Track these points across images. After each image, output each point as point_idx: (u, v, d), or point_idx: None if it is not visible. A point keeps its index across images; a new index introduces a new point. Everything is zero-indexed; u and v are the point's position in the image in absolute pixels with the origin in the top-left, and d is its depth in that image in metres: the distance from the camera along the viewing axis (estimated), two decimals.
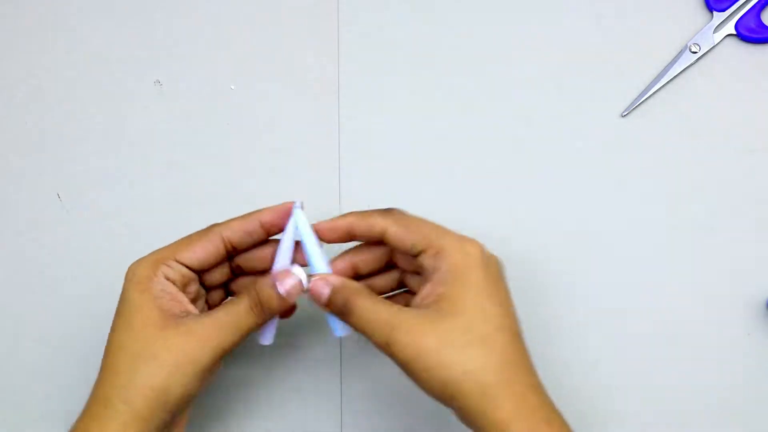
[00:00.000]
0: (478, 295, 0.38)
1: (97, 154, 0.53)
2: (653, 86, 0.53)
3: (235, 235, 0.42)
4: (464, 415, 0.37)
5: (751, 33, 0.54)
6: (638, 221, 0.51)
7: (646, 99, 0.53)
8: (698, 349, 0.49)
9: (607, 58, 0.54)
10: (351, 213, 0.42)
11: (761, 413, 0.48)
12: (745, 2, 0.54)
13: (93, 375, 0.44)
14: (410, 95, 0.54)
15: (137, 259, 0.41)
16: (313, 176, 0.52)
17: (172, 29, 0.55)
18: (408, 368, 0.38)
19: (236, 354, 0.49)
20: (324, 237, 0.42)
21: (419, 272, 0.42)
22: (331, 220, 0.42)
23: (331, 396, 0.48)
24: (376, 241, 0.42)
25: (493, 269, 0.39)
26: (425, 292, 0.39)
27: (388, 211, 0.41)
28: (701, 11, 0.55)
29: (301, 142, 0.53)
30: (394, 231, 0.40)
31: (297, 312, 0.44)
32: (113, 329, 0.41)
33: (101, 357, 0.40)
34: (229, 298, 0.45)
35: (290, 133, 0.53)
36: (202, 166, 0.52)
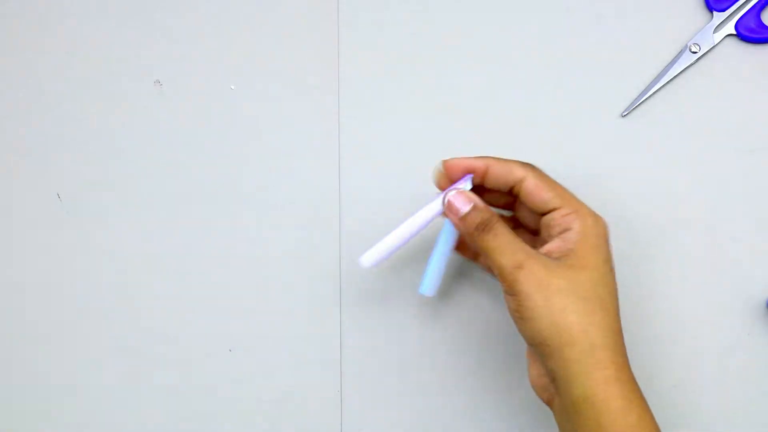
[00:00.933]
0: (605, 262, 0.41)
1: (97, 154, 0.53)
2: (653, 86, 0.53)
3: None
4: (555, 360, 0.39)
5: (751, 33, 0.54)
6: (638, 221, 0.51)
7: (646, 99, 0.53)
8: (698, 349, 0.49)
9: (607, 58, 0.54)
10: (489, 156, 0.43)
11: (761, 413, 0.48)
12: (745, 2, 0.54)
13: (94, 375, 0.44)
14: (410, 95, 0.54)
15: None
16: (312, 176, 0.52)
17: (172, 29, 0.55)
18: (528, 302, 0.39)
19: (236, 355, 0.49)
20: (453, 172, 0.44)
21: (536, 231, 0.44)
22: (466, 158, 0.44)
23: (331, 396, 0.48)
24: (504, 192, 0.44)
25: (610, 251, 0.42)
26: (552, 246, 0.41)
27: (527, 164, 0.43)
28: (701, 11, 0.55)
29: (301, 142, 0.53)
30: (533, 182, 0.42)
31: (296, 314, 0.44)
32: None
33: (100, 356, 0.39)
34: None
35: (290, 133, 0.53)
36: (201, 166, 0.52)
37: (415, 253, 0.50)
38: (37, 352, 0.49)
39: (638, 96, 0.53)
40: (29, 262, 0.51)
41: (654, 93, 0.53)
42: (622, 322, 0.46)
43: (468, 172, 0.43)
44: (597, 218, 0.42)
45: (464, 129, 0.53)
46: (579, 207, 0.42)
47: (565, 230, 0.41)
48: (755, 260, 0.50)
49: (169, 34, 0.55)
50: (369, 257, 0.43)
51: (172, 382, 0.49)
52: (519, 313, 0.39)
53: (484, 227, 0.41)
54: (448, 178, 0.44)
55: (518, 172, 0.42)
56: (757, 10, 0.54)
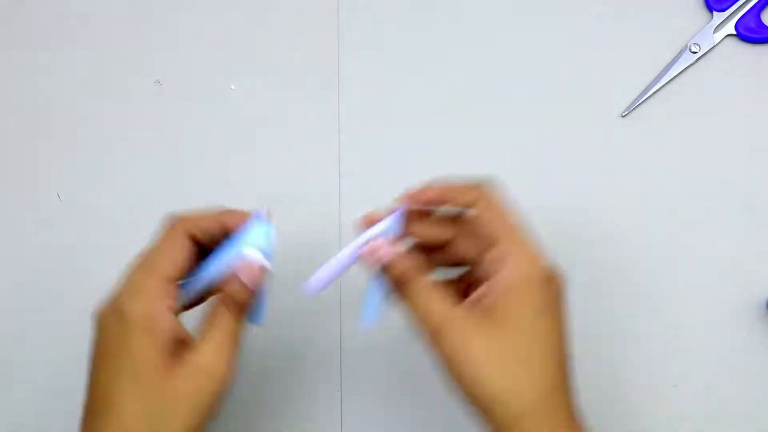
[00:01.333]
0: (536, 315, 0.36)
1: (97, 154, 0.53)
2: (653, 86, 0.53)
3: (203, 235, 0.39)
4: (483, 427, 0.36)
5: (751, 33, 0.54)
6: (638, 221, 0.51)
7: (646, 99, 0.53)
8: (698, 349, 0.49)
9: (607, 58, 0.54)
10: (440, 181, 0.39)
11: (761, 413, 0.48)
12: (745, 2, 0.54)
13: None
14: (410, 95, 0.54)
15: (120, 292, 0.37)
16: (313, 176, 0.52)
17: (172, 29, 0.55)
18: (448, 366, 0.36)
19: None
20: (412, 204, 0.39)
21: (479, 263, 0.39)
22: (421, 188, 0.39)
23: (331, 398, 0.48)
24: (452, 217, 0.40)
25: (553, 288, 0.37)
26: (481, 292, 0.37)
27: (481, 186, 0.39)
28: (701, 11, 0.55)
29: (301, 142, 0.53)
30: (478, 211, 0.38)
31: (297, 316, 0.44)
32: (112, 377, 0.36)
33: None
34: (208, 312, 0.39)
35: (290, 133, 0.53)
36: (201, 166, 0.52)
37: None
38: (37, 352, 0.49)
39: (638, 96, 0.53)
40: (29, 261, 0.51)
41: (654, 93, 0.53)
42: (622, 322, 0.46)
43: (419, 204, 0.39)
44: (533, 260, 0.37)
45: (464, 129, 0.53)
46: (512, 249, 0.37)
47: (495, 273, 0.36)
48: (755, 260, 0.50)
49: (169, 34, 0.55)
50: (314, 285, 0.39)
51: None
52: (451, 379, 0.36)
53: (399, 283, 0.38)
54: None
55: (466, 197, 0.38)
56: (757, 10, 0.54)
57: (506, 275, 0.36)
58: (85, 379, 0.41)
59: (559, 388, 0.36)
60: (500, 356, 0.35)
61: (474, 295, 0.37)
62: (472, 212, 0.38)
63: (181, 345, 0.37)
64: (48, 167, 0.53)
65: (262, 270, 0.39)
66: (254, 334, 0.49)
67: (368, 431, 0.48)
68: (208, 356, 0.37)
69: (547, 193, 0.52)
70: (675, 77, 0.53)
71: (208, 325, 0.38)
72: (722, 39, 0.54)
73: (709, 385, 0.48)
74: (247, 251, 0.39)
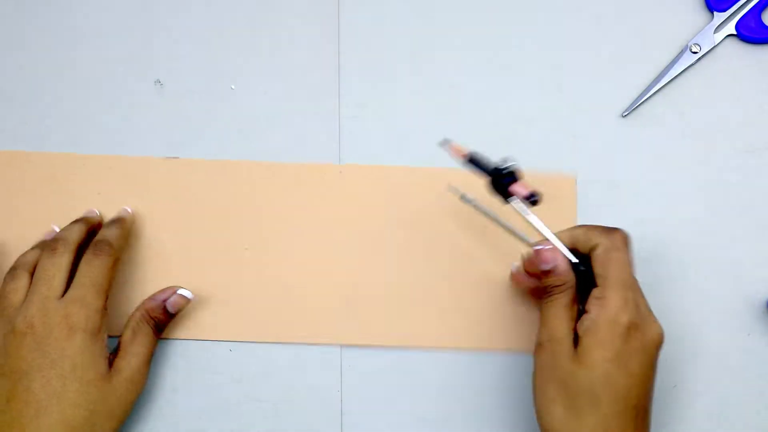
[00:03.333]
0: (610, 360, 0.39)
1: (97, 153, 0.53)
2: (653, 86, 0.53)
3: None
4: None
5: (751, 33, 0.54)
6: (637, 221, 0.51)
7: (646, 99, 0.53)
8: (698, 349, 0.49)
9: (607, 58, 0.54)
10: (580, 226, 0.43)
11: (761, 413, 0.48)
12: (745, 2, 0.54)
13: None
14: (410, 95, 0.54)
15: (69, 301, 0.43)
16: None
17: (172, 29, 0.55)
18: (535, 375, 0.41)
19: (236, 355, 0.49)
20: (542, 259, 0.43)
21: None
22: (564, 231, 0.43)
23: (331, 396, 0.48)
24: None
25: (636, 342, 0.39)
26: (578, 324, 0.41)
27: (611, 232, 0.42)
28: (701, 11, 0.55)
29: (302, 142, 0.53)
30: (597, 254, 0.41)
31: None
32: (56, 377, 0.41)
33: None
34: (127, 326, 0.46)
35: (291, 134, 0.53)
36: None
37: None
38: None
39: (638, 96, 0.53)
40: None
41: (654, 93, 0.53)
42: None
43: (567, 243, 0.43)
44: (621, 312, 0.39)
45: (464, 129, 0.53)
46: (609, 294, 0.40)
47: (589, 311, 0.40)
48: (755, 260, 0.50)
49: (169, 34, 0.55)
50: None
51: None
52: (532, 384, 0.42)
53: (547, 292, 0.42)
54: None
55: (594, 240, 0.42)
56: (757, 10, 0.54)
57: (594, 315, 0.40)
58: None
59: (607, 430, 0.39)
60: (572, 387, 0.39)
61: (577, 325, 0.41)
62: (594, 252, 0.42)
63: (107, 356, 0.44)
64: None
65: (187, 304, 0.48)
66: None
67: (368, 431, 0.48)
68: (136, 369, 0.45)
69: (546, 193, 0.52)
70: (675, 77, 0.53)
71: (134, 340, 0.45)
72: (723, 39, 0.54)
73: (709, 385, 0.48)
74: (180, 290, 0.48)
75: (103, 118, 0.53)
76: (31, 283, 0.44)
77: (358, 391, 0.48)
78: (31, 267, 0.45)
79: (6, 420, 0.41)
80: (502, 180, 0.43)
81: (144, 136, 0.53)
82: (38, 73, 0.54)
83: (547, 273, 0.42)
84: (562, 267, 0.41)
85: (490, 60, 0.54)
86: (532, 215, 0.43)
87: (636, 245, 0.50)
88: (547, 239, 0.43)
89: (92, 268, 0.44)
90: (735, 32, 0.54)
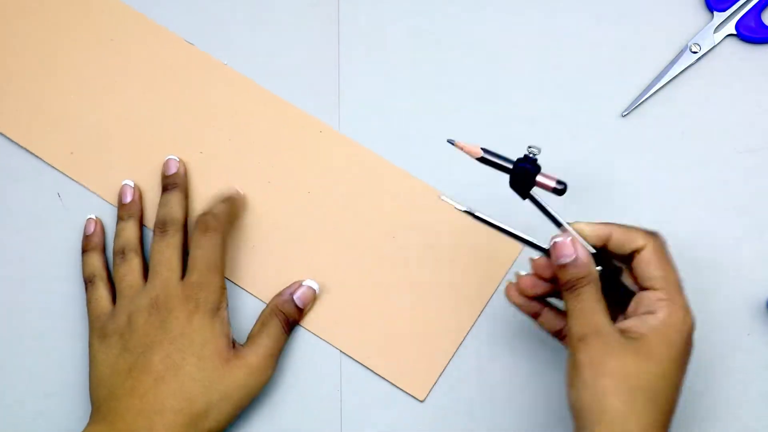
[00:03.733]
0: (674, 360, 0.39)
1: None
2: (653, 86, 0.53)
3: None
4: None
5: (751, 33, 0.54)
6: (638, 221, 0.51)
7: (646, 99, 0.53)
8: (698, 349, 0.48)
9: (607, 58, 0.54)
10: (612, 223, 0.42)
11: (761, 413, 0.48)
12: (745, 2, 0.54)
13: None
14: (410, 95, 0.54)
15: (188, 284, 0.45)
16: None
17: (171, 29, 0.55)
18: (577, 371, 0.39)
19: None
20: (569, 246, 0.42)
21: (628, 296, 0.42)
22: (591, 223, 0.42)
23: (331, 396, 0.48)
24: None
25: (690, 345, 0.40)
26: (630, 323, 0.40)
27: (651, 233, 0.42)
28: (701, 11, 0.55)
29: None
30: (648, 256, 0.41)
31: (296, 329, 0.46)
32: (175, 351, 0.44)
33: None
34: (258, 320, 0.48)
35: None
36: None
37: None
38: (37, 352, 0.49)
39: (638, 96, 0.53)
40: (29, 261, 0.51)
41: (654, 93, 0.53)
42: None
43: (593, 242, 0.42)
44: (687, 316, 0.40)
45: (465, 129, 0.53)
46: (676, 297, 0.40)
47: (650, 313, 0.40)
48: (755, 260, 0.50)
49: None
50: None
51: None
52: (569, 380, 0.40)
53: (572, 286, 0.40)
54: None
55: (639, 241, 0.41)
56: (757, 10, 0.54)
57: (662, 317, 0.39)
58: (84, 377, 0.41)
59: (659, 428, 0.39)
60: (632, 380, 0.38)
61: (625, 324, 0.40)
62: (643, 253, 0.41)
63: (232, 341, 0.46)
64: (48, 167, 0.53)
65: (315, 296, 0.49)
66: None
67: (368, 431, 0.48)
68: (259, 356, 0.45)
69: (548, 193, 0.52)
70: (675, 77, 0.53)
71: (262, 331, 0.47)
72: (722, 39, 0.54)
73: (709, 385, 0.48)
74: (306, 281, 0.48)
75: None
76: (142, 261, 0.48)
77: (358, 391, 0.48)
78: (137, 246, 0.48)
79: (126, 389, 0.43)
80: (526, 172, 0.40)
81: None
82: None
83: (565, 266, 0.40)
84: (584, 258, 0.40)
85: (490, 60, 0.54)
86: (551, 208, 0.42)
87: None
88: (563, 232, 0.41)
89: (203, 249, 0.46)
90: (735, 32, 0.54)
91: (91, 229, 0.50)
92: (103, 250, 0.50)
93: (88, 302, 0.47)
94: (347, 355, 0.48)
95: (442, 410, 0.48)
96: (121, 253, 0.48)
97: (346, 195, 0.51)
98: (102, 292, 0.47)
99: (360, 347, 0.48)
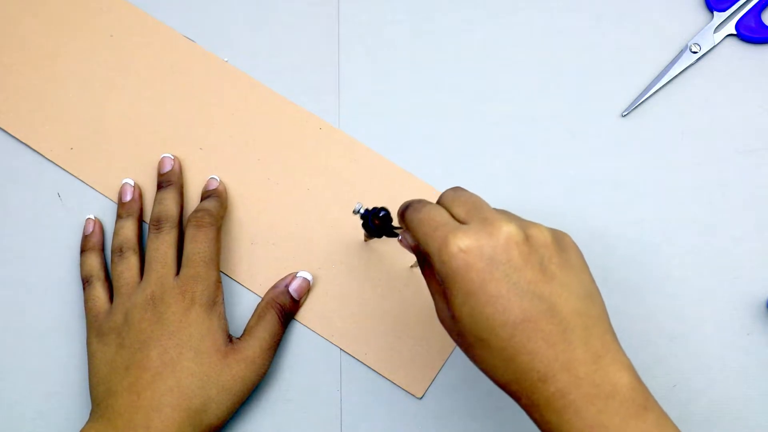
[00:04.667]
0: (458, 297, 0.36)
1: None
2: (653, 86, 0.53)
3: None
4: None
5: (751, 33, 0.54)
6: (638, 221, 0.51)
7: (646, 99, 0.53)
8: (698, 349, 0.49)
9: (607, 58, 0.54)
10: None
11: (761, 413, 0.48)
12: (745, 2, 0.54)
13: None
14: (410, 95, 0.54)
15: (184, 278, 0.45)
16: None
17: (171, 26, 0.55)
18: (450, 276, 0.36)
19: None
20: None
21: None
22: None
23: (331, 396, 0.48)
24: None
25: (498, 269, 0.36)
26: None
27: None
28: (701, 11, 0.55)
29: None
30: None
31: (296, 328, 0.44)
32: (173, 346, 0.43)
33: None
34: (254, 313, 0.48)
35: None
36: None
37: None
38: (37, 352, 0.49)
39: (638, 96, 0.53)
40: (29, 261, 0.51)
41: (654, 93, 0.53)
42: (623, 323, 0.46)
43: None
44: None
45: (465, 129, 0.53)
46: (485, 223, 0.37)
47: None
48: (755, 260, 0.50)
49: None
50: None
51: None
52: (448, 295, 0.37)
53: (406, 212, 0.39)
54: None
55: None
56: (757, 10, 0.54)
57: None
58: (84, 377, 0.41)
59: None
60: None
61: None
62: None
63: (228, 335, 0.45)
64: (48, 167, 0.53)
65: (309, 287, 0.49)
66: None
67: (368, 431, 0.48)
68: (257, 351, 0.45)
69: (547, 192, 0.52)
70: (675, 77, 0.53)
71: (258, 324, 0.46)
72: (722, 39, 0.54)
73: (709, 385, 0.48)
74: (300, 272, 0.49)
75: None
76: (140, 259, 0.48)
77: (358, 392, 0.48)
78: (134, 244, 0.48)
79: (124, 386, 0.43)
80: (388, 229, 0.43)
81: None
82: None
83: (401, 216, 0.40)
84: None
85: (490, 60, 0.54)
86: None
87: (636, 245, 0.50)
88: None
89: (199, 243, 0.46)
90: (735, 32, 0.54)
91: (90, 229, 0.50)
92: (102, 250, 0.50)
93: (86, 302, 0.47)
94: (345, 352, 0.48)
95: (440, 408, 0.48)
96: (119, 251, 0.48)
97: (345, 192, 0.51)
98: (99, 291, 0.47)
99: (358, 344, 0.48)
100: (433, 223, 0.37)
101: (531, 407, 0.35)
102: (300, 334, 0.49)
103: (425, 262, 0.40)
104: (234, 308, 0.49)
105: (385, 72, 0.54)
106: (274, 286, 0.48)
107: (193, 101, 0.53)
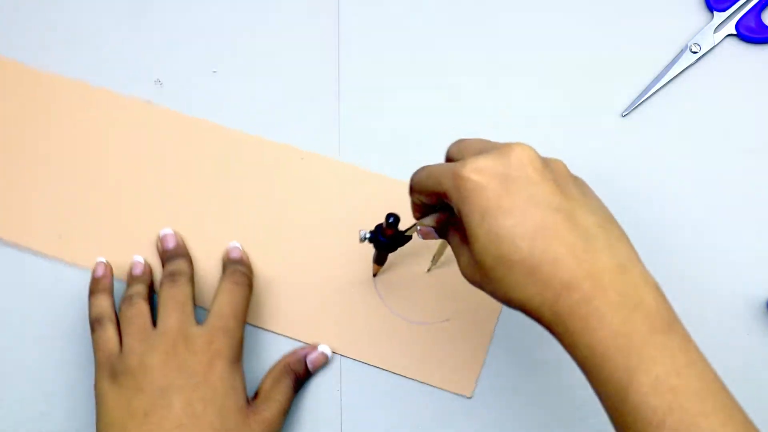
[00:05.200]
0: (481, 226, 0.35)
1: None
2: (653, 86, 0.53)
3: None
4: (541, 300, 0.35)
5: (751, 33, 0.54)
6: (638, 221, 0.51)
7: (646, 99, 0.53)
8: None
9: (607, 58, 0.54)
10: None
11: (761, 413, 0.48)
12: (745, 2, 0.54)
13: (92, 374, 0.44)
14: (410, 95, 0.54)
15: (212, 328, 0.44)
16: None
17: (172, 29, 0.55)
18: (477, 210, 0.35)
19: None
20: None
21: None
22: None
23: (331, 396, 0.48)
24: None
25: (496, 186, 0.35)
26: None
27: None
28: (701, 11, 0.55)
29: (302, 143, 0.53)
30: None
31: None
32: (198, 399, 0.42)
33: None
34: (268, 376, 0.47)
35: (290, 134, 0.53)
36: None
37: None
38: (37, 353, 0.49)
39: (638, 96, 0.53)
40: (29, 261, 0.51)
41: (654, 93, 0.53)
42: None
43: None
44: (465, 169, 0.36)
45: (465, 129, 0.53)
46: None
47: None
48: (755, 260, 0.50)
49: (169, 34, 0.55)
50: None
51: None
52: (478, 231, 0.35)
53: (414, 179, 0.39)
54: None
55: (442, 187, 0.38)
56: (757, 10, 0.54)
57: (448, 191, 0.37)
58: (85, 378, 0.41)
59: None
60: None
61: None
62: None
63: (246, 396, 0.44)
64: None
65: (326, 362, 0.48)
66: (254, 333, 0.49)
67: (368, 431, 0.48)
68: (274, 413, 0.45)
69: None
70: (675, 77, 0.53)
71: (275, 388, 0.46)
72: (722, 39, 0.54)
73: None
74: (321, 346, 0.48)
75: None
76: (150, 307, 0.46)
77: (358, 392, 0.48)
78: (145, 295, 0.46)
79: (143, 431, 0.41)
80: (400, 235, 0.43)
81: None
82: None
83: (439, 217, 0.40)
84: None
85: (490, 60, 0.54)
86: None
87: (635, 245, 0.50)
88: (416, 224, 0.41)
89: (234, 297, 0.45)
90: (735, 32, 0.54)
91: (100, 272, 0.48)
92: (112, 292, 0.48)
93: (96, 342, 0.45)
94: (390, 371, 0.48)
95: (442, 407, 0.48)
96: (129, 299, 0.46)
97: (353, 217, 0.50)
98: (111, 332, 0.45)
99: (396, 360, 0.48)
100: (443, 167, 0.37)
101: (554, 320, 0.34)
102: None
103: (447, 223, 0.39)
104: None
105: (385, 71, 0.54)
106: (293, 353, 0.47)
107: (176, 167, 0.52)
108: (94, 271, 0.49)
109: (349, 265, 0.50)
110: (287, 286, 0.49)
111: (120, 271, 0.49)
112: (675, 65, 0.53)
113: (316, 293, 0.49)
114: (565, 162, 0.39)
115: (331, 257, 0.50)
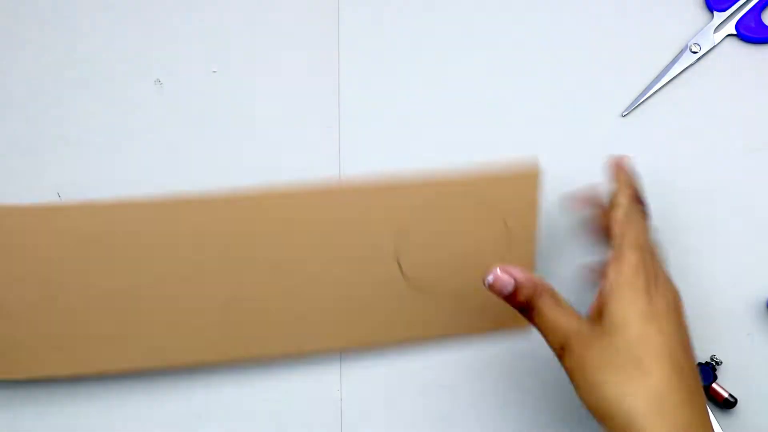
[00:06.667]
0: (640, 316, 0.37)
1: (98, 153, 0.53)
2: (653, 86, 0.53)
3: None
4: None
5: (751, 33, 0.54)
6: None
7: (646, 99, 0.53)
8: (698, 349, 0.48)
9: (607, 58, 0.54)
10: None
11: (761, 413, 0.48)
12: (745, 2, 0.54)
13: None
14: (410, 95, 0.54)
15: None
16: (313, 177, 0.52)
17: (172, 29, 0.55)
18: (572, 377, 0.38)
19: (236, 368, 0.49)
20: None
21: None
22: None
23: (331, 396, 0.48)
24: None
25: (659, 298, 0.38)
26: (593, 304, 0.39)
27: (635, 199, 0.42)
28: (701, 11, 0.55)
29: (302, 143, 0.53)
30: (615, 216, 0.41)
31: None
32: None
33: None
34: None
35: (291, 133, 0.53)
36: (202, 166, 0.52)
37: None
38: None
39: (638, 96, 0.53)
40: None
41: (654, 93, 0.53)
42: None
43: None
44: (638, 269, 0.38)
45: (465, 129, 0.53)
46: (626, 252, 0.39)
47: (603, 279, 0.39)
48: (755, 260, 0.50)
49: (169, 34, 0.55)
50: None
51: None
52: (575, 388, 0.38)
53: (526, 307, 0.40)
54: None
55: (618, 199, 0.42)
56: (757, 10, 0.54)
57: (611, 280, 0.38)
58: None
59: (672, 395, 0.36)
60: (612, 360, 0.37)
61: (591, 306, 0.39)
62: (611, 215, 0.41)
63: None
64: (48, 167, 0.53)
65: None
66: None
67: (368, 431, 0.48)
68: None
69: (546, 191, 0.52)
70: (675, 77, 0.53)
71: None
72: (722, 39, 0.54)
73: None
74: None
75: (103, 117, 0.53)
76: None
77: (358, 392, 0.48)
78: None
79: None
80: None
81: (144, 136, 0.53)
82: (38, 72, 0.54)
83: (513, 294, 0.40)
84: (523, 276, 0.40)
85: (490, 60, 0.54)
86: None
87: None
88: (495, 270, 0.40)
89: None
90: (735, 32, 0.54)
91: None
92: None
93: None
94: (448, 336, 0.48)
95: (441, 407, 0.48)
96: None
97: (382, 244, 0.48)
98: None
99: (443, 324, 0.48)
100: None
101: None
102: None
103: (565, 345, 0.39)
104: None
105: (385, 72, 0.54)
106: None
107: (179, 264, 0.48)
108: None
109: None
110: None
111: None
112: (675, 65, 0.53)
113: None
114: (567, 165, 0.40)
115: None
